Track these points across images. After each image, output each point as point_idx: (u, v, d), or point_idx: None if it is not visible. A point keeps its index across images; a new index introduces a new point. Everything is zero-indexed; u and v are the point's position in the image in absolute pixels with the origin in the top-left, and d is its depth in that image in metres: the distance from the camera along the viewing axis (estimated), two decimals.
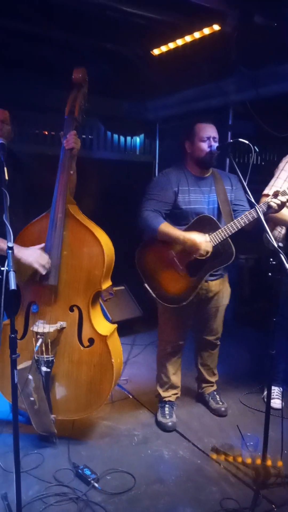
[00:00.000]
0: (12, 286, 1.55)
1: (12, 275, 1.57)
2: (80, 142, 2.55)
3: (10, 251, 1.63)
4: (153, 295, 2.71)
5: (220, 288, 2.87)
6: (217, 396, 3.09)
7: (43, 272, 2.40)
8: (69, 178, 2.51)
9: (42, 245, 2.46)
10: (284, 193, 2.42)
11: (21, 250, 2.36)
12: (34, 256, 2.37)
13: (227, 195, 2.76)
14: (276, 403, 3.05)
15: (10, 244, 1.64)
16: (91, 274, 2.49)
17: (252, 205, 2.38)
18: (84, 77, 2.56)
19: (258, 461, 2.32)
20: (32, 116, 4.45)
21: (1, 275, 1.61)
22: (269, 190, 2.86)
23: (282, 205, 2.44)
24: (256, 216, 2.42)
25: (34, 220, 2.58)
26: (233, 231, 2.53)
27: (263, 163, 5.52)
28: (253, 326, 4.63)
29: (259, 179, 2.94)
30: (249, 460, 2.49)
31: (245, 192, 2.38)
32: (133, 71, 4.27)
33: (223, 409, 3.01)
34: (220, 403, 3.05)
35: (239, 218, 2.52)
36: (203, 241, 2.54)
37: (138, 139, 5.41)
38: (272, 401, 3.02)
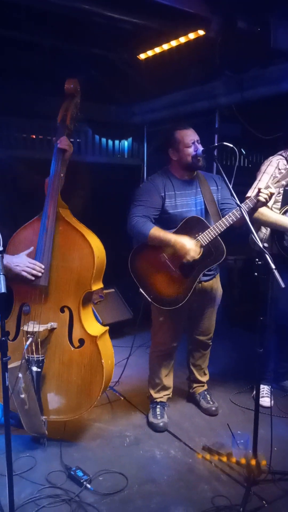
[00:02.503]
0: (2, 289, 1.57)
1: (2, 279, 1.59)
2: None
3: (0, 255, 1.64)
4: (149, 299, 2.72)
5: (214, 288, 2.91)
6: (208, 396, 3.12)
7: (32, 278, 2.44)
8: (60, 181, 2.55)
9: (30, 249, 2.50)
10: (267, 187, 2.47)
11: (10, 259, 2.42)
12: (22, 265, 2.42)
13: (213, 195, 2.80)
14: (266, 401, 3.09)
15: (0, 248, 1.66)
16: (81, 275, 2.53)
17: (238, 206, 2.43)
18: (76, 87, 2.63)
19: (249, 459, 2.36)
20: (19, 121, 4.46)
21: None
22: (251, 192, 2.91)
23: (268, 198, 2.48)
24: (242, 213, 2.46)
25: (25, 224, 2.62)
26: (222, 230, 2.57)
27: (250, 165, 5.59)
28: (243, 326, 4.67)
29: (246, 181, 2.99)
30: (240, 458, 2.53)
31: (231, 194, 2.42)
32: (120, 75, 4.32)
33: (213, 408, 3.04)
34: (211, 402, 3.08)
35: (226, 216, 2.56)
36: (192, 247, 2.56)
37: (126, 143, 5.45)
38: (261, 399, 3.07)
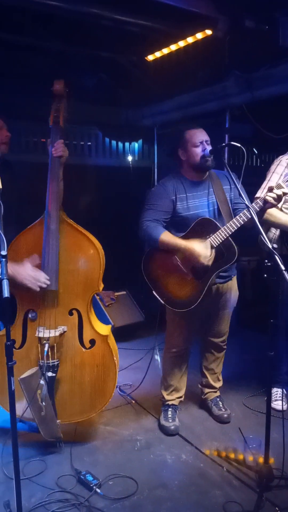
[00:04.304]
0: (6, 294, 1.57)
1: (5, 283, 1.59)
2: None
3: (3, 259, 1.65)
4: (162, 302, 2.73)
5: (230, 290, 2.88)
6: (220, 403, 3.07)
7: (37, 289, 2.42)
8: (59, 185, 2.54)
9: (35, 258, 2.48)
10: (279, 186, 2.42)
11: (16, 270, 2.40)
12: (27, 276, 2.40)
13: (225, 194, 2.77)
14: (278, 404, 3.03)
15: (4, 253, 1.66)
16: (88, 277, 2.54)
17: (247, 207, 2.40)
18: (64, 88, 2.60)
19: (261, 464, 2.32)
20: (23, 124, 4.47)
21: None
22: (260, 193, 2.87)
23: (278, 198, 2.43)
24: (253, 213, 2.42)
25: (26, 229, 2.59)
26: (233, 230, 2.54)
27: (262, 165, 5.54)
28: (257, 329, 4.61)
29: (258, 181, 2.96)
30: (252, 463, 2.49)
31: (239, 194, 2.39)
32: (129, 78, 4.32)
33: (225, 415, 2.98)
34: (223, 409, 3.03)
35: (237, 216, 2.53)
36: (202, 253, 2.54)
37: (136, 145, 5.45)
38: (274, 403, 3.02)
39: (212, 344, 3.01)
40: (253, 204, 2.45)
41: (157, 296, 2.74)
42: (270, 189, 2.44)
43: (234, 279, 2.93)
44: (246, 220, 2.50)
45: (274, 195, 2.42)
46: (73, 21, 3.16)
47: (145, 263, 2.79)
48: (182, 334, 2.87)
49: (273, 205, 2.47)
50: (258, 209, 2.44)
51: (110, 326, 2.74)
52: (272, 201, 2.42)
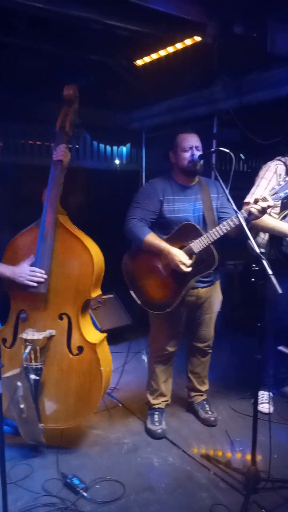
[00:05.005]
0: None
1: None
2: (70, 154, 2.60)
3: None
4: (139, 302, 2.74)
5: (211, 295, 2.89)
6: (207, 406, 3.08)
7: (35, 285, 2.45)
8: (59, 189, 2.54)
9: (31, 258, 2.49)
10: (264, 200, 2.45)
11: (13, 270, 2.46)
12: (24, 275, 2.44)
13: (212, 203, 2.79)
14: (265, 407, 3.05)
15: None
16: (80, 282, 2.52)
17: (236, 212, 2.41)
18: (75, 93, 2.63)
19: (248, 466, 2.33)
20: (18, 126, 4.46)
21: None
22: (250, 198, 2.90)
23: (262, 211, 2.45)
24: (237, 223, 2.44)
25: (23, 231, 2.61)
26: (215, 238, 2.55)
27: (249, 170, 5.58)
28: (244, 332, 4.62)
29: (245, 186, 2.99)
30: (239, 466, 2.50)
31: (227, 199, 2.41)
32: (118, 81, 4.33)
33: (212, 418, 2.99)
34: (210, 412, 3.03)
35: (220, 225, 2.54)
36: (183, 261, 2.56)
37: (124, 149, 5.45)
38: (261, 405, 3.04)
39: (197, 349, 3.01)
40: (240, 212, 2.45)
41: (134, 296, 2.76)
42: (256, 201, 2.47)
43: (217, 284, 2.94)
44: (229, 229, 2.51)
45: (259, 207, 2.43)
46: (63, 24, 3.15)
47: (126, 262, 2.80)
48: (165, 339, 2.87)
49: (257, 217, 2.50)
50: (243, 220, 2.44)
51: (104, 334, 2.70)
52: (257, 213, 2.44)
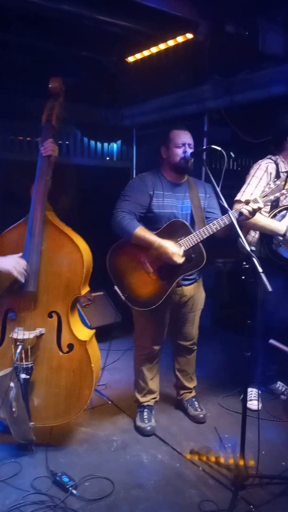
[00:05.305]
0: None
1: None
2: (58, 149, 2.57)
3: None
4: (123, 298, 2.69)
5: (195, 293, 2.89)
6: (196, 403, 3.09)
7: (22, 279, 2.39)
8: (47, 185, 2.51)
9: (20, 254, 2.45)
10: (255, 201, 2.47)
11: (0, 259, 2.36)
12: (12, 263, 2.36)
13: (200, 202, 2.80)
14: (253, 404, 3.08)
15: None
16: (70, 280, 2.50)
17: (225, 211, 2.43)
18: (61, 86, 2.59)
19: (236, 463, 2.35)
20: (7, 123, 4.42)
21: None
22: (240, 196, 2.92)
23: (253, 212, 2.49)
24: (227, 222, 2.47)
25: (11, 227, 2.57)
26: (204, 237, 2.56)
27: (239, 169, 5.60)
28: (232, 330, 4.67)
29: (235, 184, 3.00)
30: (227, 462, 2.52)
31: (218, 197, 2.42)
32: (109, 78, 4.31)
33: (201, 415, 3.01)
34: (199, 409, 3.05)
35: (211, 224, 2.55)
36: (176, 252, 2.55)
37: (115, 146, 5.44)
38: (249, 402, 3.06)
39: (183, 347, 3.02)
40: (231, 211, 2.47)
41: (118, 292, 2.70)
42: (247, 202, 2.49)
43: (200, 281, 2.95)
44: (219, 228, 2.53)
45: (250, 209, 2.47)
46: (54, 19, 3.13)
47: (111, 257, 2.74)
48: (151, 337, 2.86)
49: (247, 218, 2.52)
50: (230, 221, 2.46)
51: (92, 331, 2.69)
52: (248, 214, 2.48)
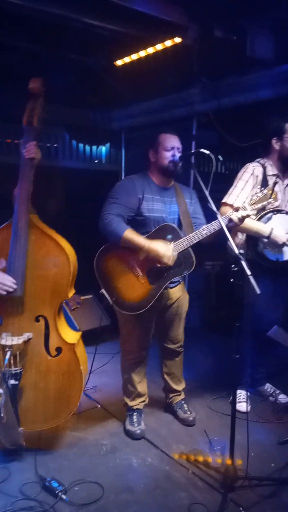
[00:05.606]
0: None
1: None
2: (43, 151, 2.55)
3: None
4: (111, 302, 2.67)
5: (180, 295, 2.90)
6: (185, 406, 3.09)
7: (3, 292, 2.36)
8: (30, 188, 2.49)
9: (3, 263, 2.42)
10: (244, 208, 2.52)
11: None
12: None
13: (187, 207, 2.81)
14: (242, 406, 3.09)
15: None
16: (57, 283, 2.48)
17: (210, 214, 2.45)
18: (41, 87, 2.54)
19: (225, 465, 2.35)
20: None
21: None
22: (227, 198, 2.96)
23: (242, 219, 2.54)
24: (217, 228, 2.50)
25: None
26: (195, 241, 2.58)
27: (227, 172, 5.65)
28: (221, 332, 4.68)
29: (223, 187, 3.02)
30: (216, 464, 2.52)
31: (207, 201, 2.43)
32: (97, 81, 4.30)
33: (191, 418, 3.01)
34: (188, 412, 3.05)
35: (200, 229, 2.57)
36: (167, 253, 2.55)
37: (103, 148, 5.44)
38: (238, 404, 3.07)
39: (170, 350, 3.02)
40: (221, 217, 2.48)
41: (106, 295, 2.68)
42: (237, 209, 2.53)
43: (182, 283, 2.97)
44: (209, 233, 2.55)
45: (240, 216, 2.51)
46: (42, 21, 3.12)
47: (99, 260, 2.71)
48: (136, 340, 2.86)
49: (236, 225, 2.56)
50: (219, 227, 2.48)
51: (79, 333, 2.68)
52: (237, 221, 2.53)
